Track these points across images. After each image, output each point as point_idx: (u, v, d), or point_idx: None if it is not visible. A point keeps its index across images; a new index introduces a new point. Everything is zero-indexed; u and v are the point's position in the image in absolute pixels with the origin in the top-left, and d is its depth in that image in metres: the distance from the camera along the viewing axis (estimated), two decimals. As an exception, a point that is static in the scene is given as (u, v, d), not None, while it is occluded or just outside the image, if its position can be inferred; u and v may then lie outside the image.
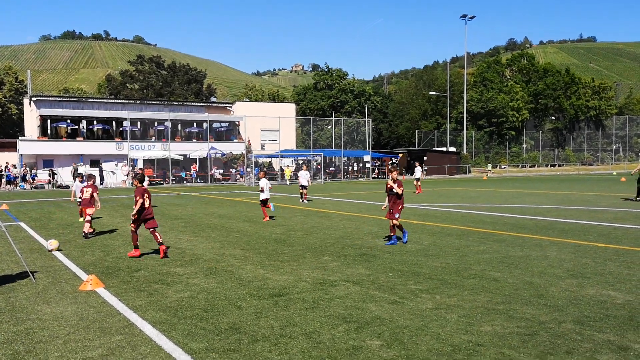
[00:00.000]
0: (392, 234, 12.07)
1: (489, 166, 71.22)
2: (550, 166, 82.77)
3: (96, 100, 56.81)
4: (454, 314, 6.61)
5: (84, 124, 50.44)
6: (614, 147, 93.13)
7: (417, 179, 31.09)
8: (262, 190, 17.34)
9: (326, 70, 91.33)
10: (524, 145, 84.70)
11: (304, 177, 24.96)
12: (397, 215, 11.70)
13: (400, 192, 11.62)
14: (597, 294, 7.42)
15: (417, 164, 35.49)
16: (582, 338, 5.67)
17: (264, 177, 17.50)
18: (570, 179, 51.12)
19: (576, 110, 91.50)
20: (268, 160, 54.45)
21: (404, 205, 12.07)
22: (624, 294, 7.42)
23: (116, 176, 46.25)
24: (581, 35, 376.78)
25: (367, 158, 58.43)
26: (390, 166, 16.03)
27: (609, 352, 5.27)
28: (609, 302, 7.00)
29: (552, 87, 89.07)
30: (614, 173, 63.11)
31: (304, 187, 24.81)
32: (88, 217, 13.93)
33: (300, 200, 24.70)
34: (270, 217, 17.41)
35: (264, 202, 17.32)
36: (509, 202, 23.04)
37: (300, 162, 56.21)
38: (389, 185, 11.77)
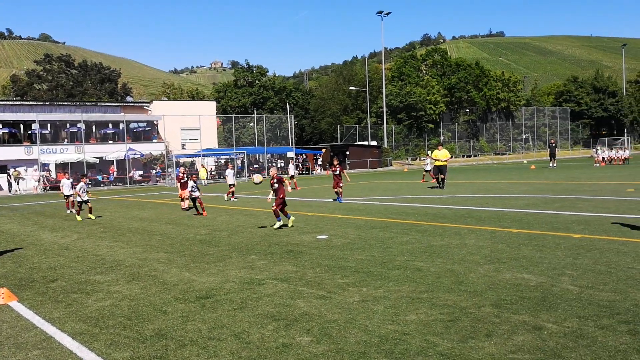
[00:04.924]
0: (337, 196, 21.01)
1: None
2: (467, 157, 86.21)
3: (1, 103, 53.49)
4: (380, 305, 6.75)
5: (-12, 127, 47.40)
6: (524, 136, 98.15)
7: (292, 177, 32.77)
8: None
9: (246, 67, 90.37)
10: (442, 138, 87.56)
11: (231, 175, 25.44)
12: (341, 185, 21.14)
13: (339, 172, 21.14)
14: (513, 278, 7.81)
15: (290, 161, 37.39)
16: (500, 321, 5.95)
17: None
18: (485, 168, 53.49)
19: (487, 102, 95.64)
20: (190, 159, 53.38)
21: (341, 182, 21.27)
22: (537, 276, 7.84)
23: (26, 182, 43.80)
24: (490, 30, 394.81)
25: (290, 154, 58.55)
26: (331, 158, 24.95)
27: (524, 332, 5.56)
28: (523, 285, 7.38)
29: (465, 80, 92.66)
30: (525, 161, 66.67)
31: (231, 185, 25.07)
32: None
33: (226, 199, 24.46)
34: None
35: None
36: (429, 193, 23.79)
37: (223, 161, 55.52)
38: (333, 169, 21.60)
